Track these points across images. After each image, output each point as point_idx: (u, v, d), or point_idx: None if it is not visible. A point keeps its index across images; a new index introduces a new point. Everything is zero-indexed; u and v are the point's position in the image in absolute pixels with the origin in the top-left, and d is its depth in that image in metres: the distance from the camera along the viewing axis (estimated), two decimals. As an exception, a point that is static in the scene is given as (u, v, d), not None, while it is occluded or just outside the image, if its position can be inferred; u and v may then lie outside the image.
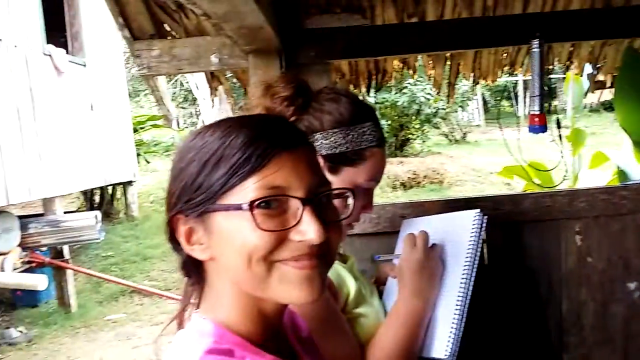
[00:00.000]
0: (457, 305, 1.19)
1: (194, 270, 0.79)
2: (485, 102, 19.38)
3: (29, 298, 5.86)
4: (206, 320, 0.76)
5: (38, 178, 5.53)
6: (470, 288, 1.20)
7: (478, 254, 1.22)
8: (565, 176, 2.25)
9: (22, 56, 5.57)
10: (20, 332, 5.22)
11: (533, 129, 1.83)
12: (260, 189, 0.70)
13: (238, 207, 0.70)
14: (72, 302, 5.89)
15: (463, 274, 1.21)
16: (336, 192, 0.80)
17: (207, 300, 0.79)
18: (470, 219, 1.27)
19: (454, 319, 1.19)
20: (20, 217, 5.54)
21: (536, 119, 1.82)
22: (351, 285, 1.17)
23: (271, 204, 0.70)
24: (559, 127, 1.91)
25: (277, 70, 1.78)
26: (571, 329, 1.76)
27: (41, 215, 6.00)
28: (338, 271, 1.18)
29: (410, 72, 2.39)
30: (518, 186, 7.23)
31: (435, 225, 1.34)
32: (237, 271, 0.72)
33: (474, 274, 1.21)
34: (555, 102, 16.28)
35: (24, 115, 5.39)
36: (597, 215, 1.75)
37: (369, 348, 1.14)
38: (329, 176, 1.14)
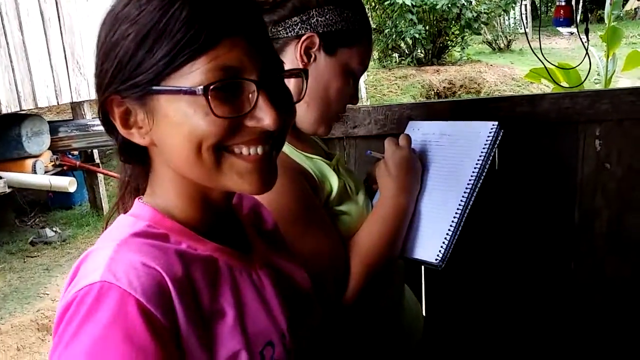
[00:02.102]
0: (456, 213, 1.16)
1: (135, 155, 0.73)
2: (535, 7, 18.28)
3: (63, 200, 6.05)
4: (145, 205, 0.71)
5: (65, 82, 5.54)
6: (473, 198, 1.17)
7: (487, 166, 1.19)
8: (596, 80, 2.08)
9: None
10: (55, 232, 5.42)
11: (557, 22, 1.68)
12: (212, 70, 0.62)
13: (191, 92, 0.62)
14: (104, 205, 6.05)
15: (468, 183, 1.18)
16: (289, 72, 0.72)
17: (151, 186, 0.74)
18: (486, 130, 1.22)
19: (451, 225, 1.16)
20: (50, 122, 5.62)
21: (561, 11, 1.65)
22: (334, 182, 1.12)
23: (226, 88, 0.63)
24: (585, 20, 1.73)
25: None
26: (582, 237, 1.68)
27: (71, 120, 6.07)
28: (320, 167, 1.13)
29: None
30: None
31: (445, 130, 1.29)
32: (183, 159, 0.66)
33: (479, 185, 1.18)
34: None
35: (48, 18, 5.32)
36: (621, 119, 1.62)
37: (350, 243, 1.10)
38: (325, 57, 1.09)
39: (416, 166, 1.19)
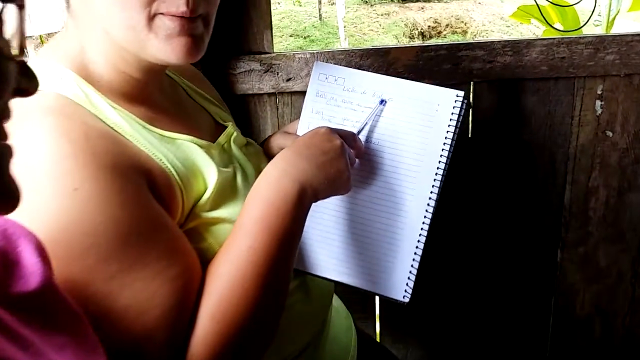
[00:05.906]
0: (422, 229, 0.85)
1: None
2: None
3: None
4: None
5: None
6: (437, 198, 0.86)
7: (452, 151, 0.86)
8: (596, 22, 1.69)
9: None
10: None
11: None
12: None
13: None
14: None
15: (434, 184, 0.85)
16: None
17: None
18: (448, 104, 0.85)
19: (417, 247, 0.85)
20: None
21: None
22: (210, 177, 0.72)
23: None
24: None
25: None
26: (573, 222, 1.35)
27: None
28: (187, 154, 0.72)
29: None
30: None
31: (382, 92, 0.90)
32: None
33: (444, 178, 0.86)
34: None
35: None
36: (630, 74, 1.25)
37: (207, 273, 0.68)
38: None
39: (335, 165, 0.76)
